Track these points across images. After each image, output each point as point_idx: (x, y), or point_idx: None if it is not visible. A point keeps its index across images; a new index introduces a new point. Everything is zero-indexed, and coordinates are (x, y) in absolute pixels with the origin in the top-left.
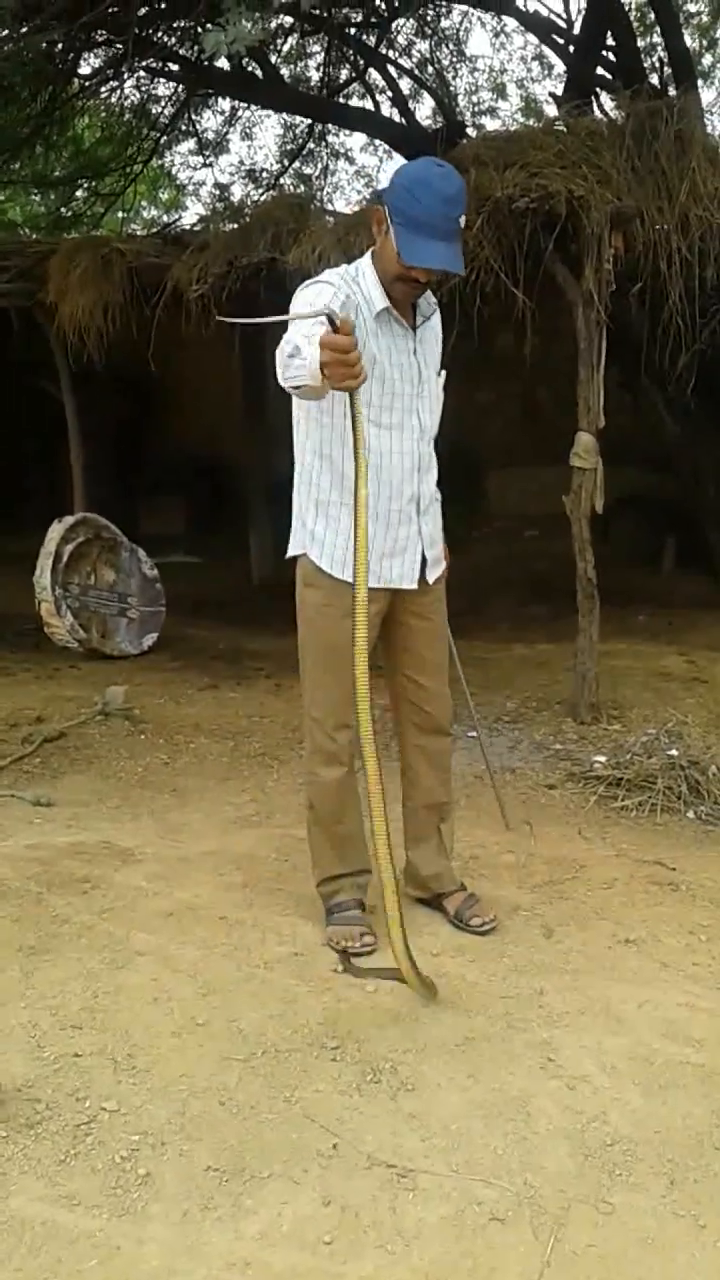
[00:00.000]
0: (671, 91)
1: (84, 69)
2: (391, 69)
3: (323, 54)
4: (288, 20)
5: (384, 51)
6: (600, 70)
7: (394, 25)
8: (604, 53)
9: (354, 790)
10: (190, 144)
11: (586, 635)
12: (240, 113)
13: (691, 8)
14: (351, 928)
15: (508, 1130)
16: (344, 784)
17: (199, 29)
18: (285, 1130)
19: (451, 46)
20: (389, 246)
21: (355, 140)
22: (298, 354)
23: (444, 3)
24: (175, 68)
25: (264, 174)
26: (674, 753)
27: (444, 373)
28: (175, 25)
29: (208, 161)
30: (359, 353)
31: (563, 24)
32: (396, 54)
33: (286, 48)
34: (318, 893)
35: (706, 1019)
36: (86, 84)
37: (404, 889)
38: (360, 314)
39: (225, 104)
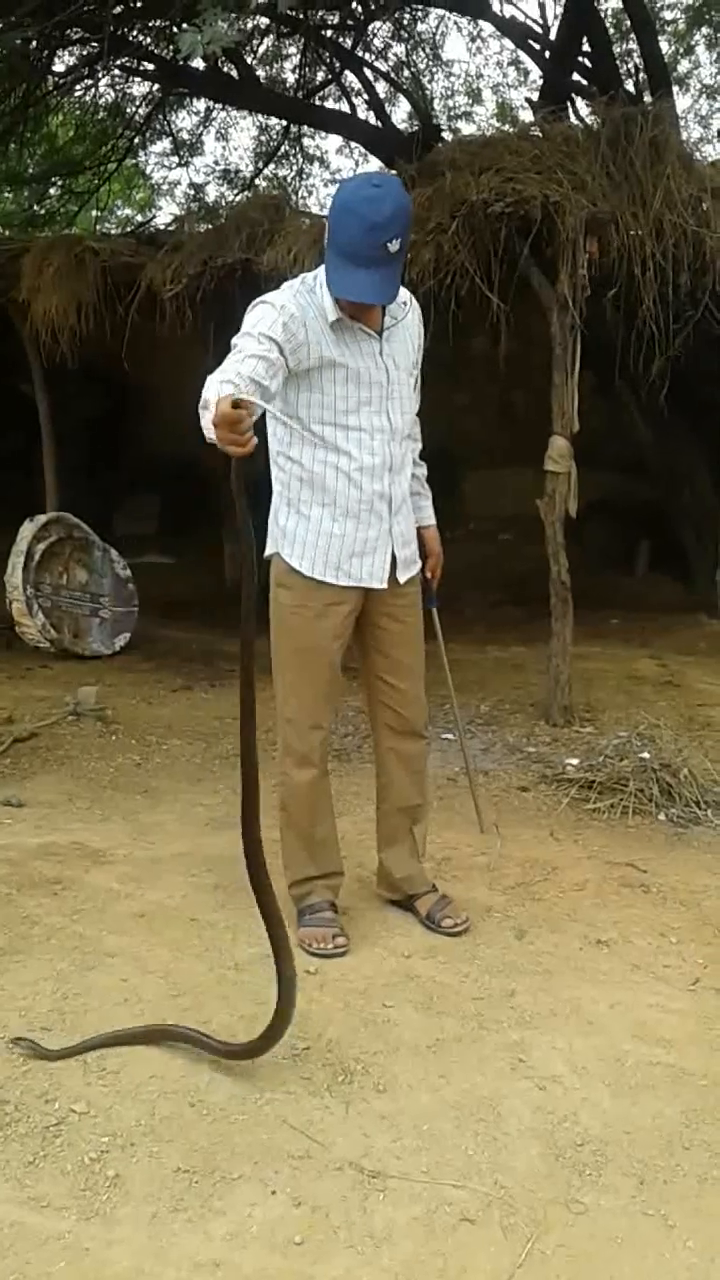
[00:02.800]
0: (647, 98)
1: (59, 66)
2: (368, 72)
3: (299, 56)
4: (264, 21)
5: (360, 54)
6: (576, 76)
7: (370, 28)
8: (580, 59)
9: (326, 792)
10: (165, 144)
11: (560, 638)
12: (215, 113)
13: (667, 15)
14: (324, 929)
15: (478, 1131)
16: (316, 785)
17: (174, 29)
18: (256, 1131)
19: (428, 50)
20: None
21: (331, 143)
22: (206, 408)
23: (420, 6)
24: (150, 67)
25: (239, 175)
26: (646, 755)
27: (418, 366)
28: (151, 24)
29: (183, 161)
30: (249, 434)
31: (539, 30)
32: (373, 57)
33: (263, 49)
34: (289, 894)
35: (676, 1020)
36: (61, 81)
37: (376, 890)
38: (319, 324)
39: (200, 104)
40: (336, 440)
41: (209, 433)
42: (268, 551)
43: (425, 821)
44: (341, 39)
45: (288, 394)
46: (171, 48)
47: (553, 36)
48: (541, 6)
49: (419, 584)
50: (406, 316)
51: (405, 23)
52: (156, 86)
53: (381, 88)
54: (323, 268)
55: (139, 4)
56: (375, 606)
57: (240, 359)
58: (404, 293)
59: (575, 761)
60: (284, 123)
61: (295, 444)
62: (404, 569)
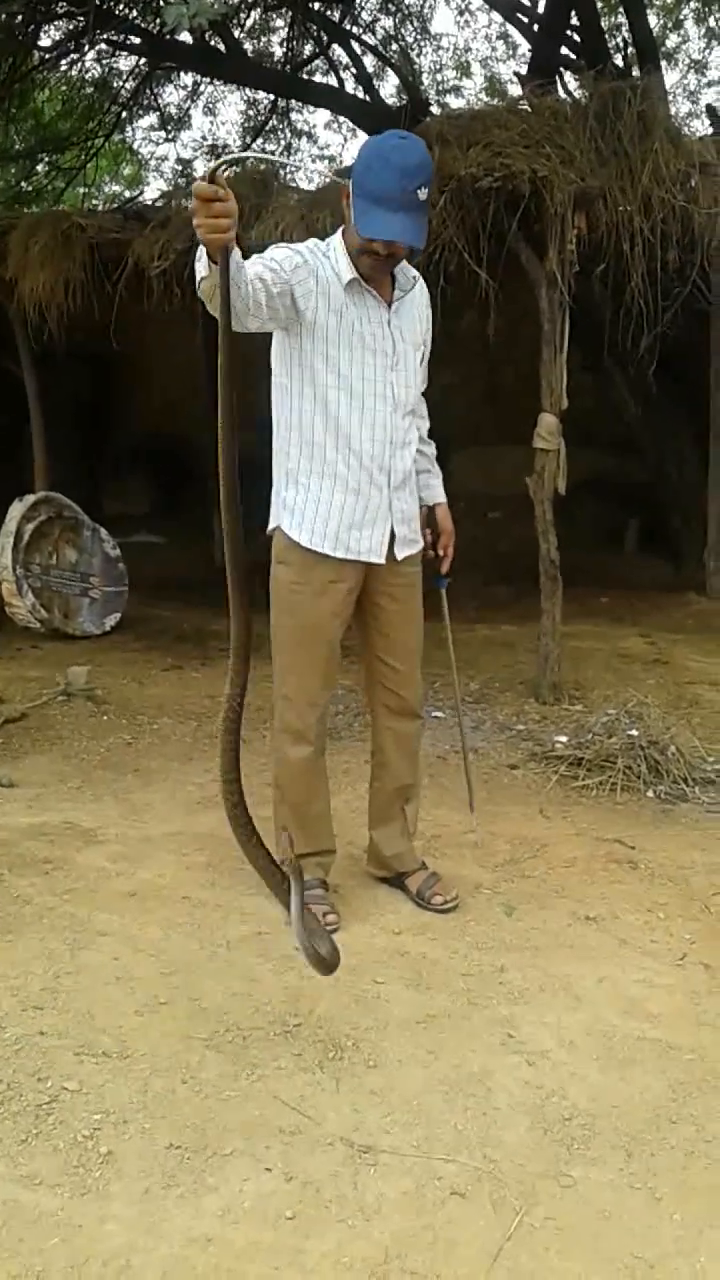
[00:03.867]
0: (635, 72)
1: (44, 41)
2: (355, 45)
3: (286, 29)
4: None
5: (348, 27)
6: (564, 50)
7: (358, 1)
8: (568, 33)
9: (321, 769)
10: (152, 118)
11: (549, 616)
12: (203, 88)
13: None
14: (314, 906)
15: (468, 1106)
16: (311, 763)
17: (160, 2)
18: (247, 1108)
19: (416, 24)
20: (350, 219)
21: (319, 117)
22: (200, 259)
23: None
24: (137, 41)
25: (226, 150)
26: (634, 733)
27: (426, 346)
28: None
29: (170, 136)
30: (230, 205)
31: (527, 3)
32: (360, 30)
33: (250, 22)
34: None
35: (664, 995)
36: (47, 56)
37: (366, 868)
38: (330, 285)
39: (187, 78)
40: (339, 409)
41: (201, 270)
42: (270, 526)
43: (417, 800)
44: (329, 12)
45: (292, 356)
46: (157, 21)
47: (541, 10)
48: None
49: (419, 564)
50: (414, 291)
51: None
52: (143, 61)
53: (369, 61)
54: (334, 236)
55: None
56: (375, 585)
57: (251, 262)
58: (412, 269)
59: (564, 739)
60: (272, 97)
61: (296, 412)
62: (403, 546)
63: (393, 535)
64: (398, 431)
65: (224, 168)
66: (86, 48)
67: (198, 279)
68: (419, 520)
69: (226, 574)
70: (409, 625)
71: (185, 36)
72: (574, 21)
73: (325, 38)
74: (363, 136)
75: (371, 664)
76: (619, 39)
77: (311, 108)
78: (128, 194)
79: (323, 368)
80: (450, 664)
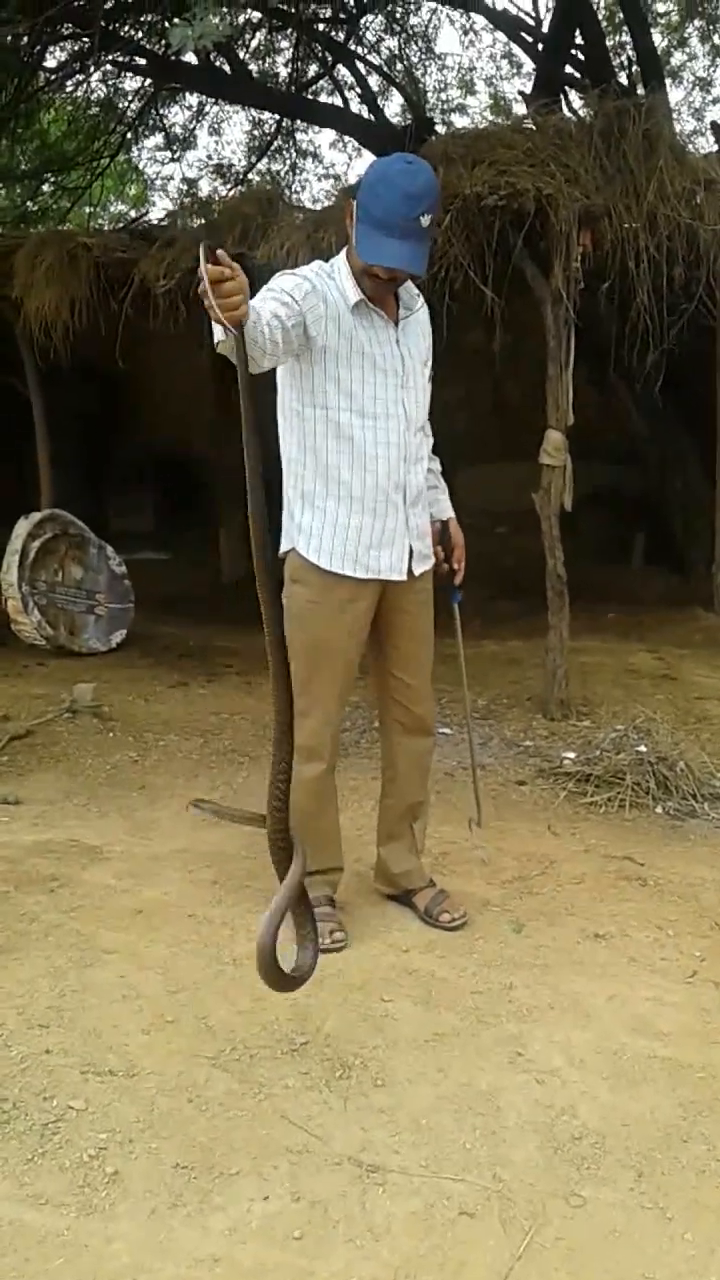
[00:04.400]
0: (640, 91)
1: (50, 62)
2: (360, 65)
3: (291, 50)
4: (255, 15)
5: (352, 48)
6: (569, 69)
7: (362, 21)
8: (573, 51)
9: (332, 787)
10: (158, 139)
11: (557, 632)
12: (208, 108)
13: (660, 7)
14: (321, 924)
15: (477, 1125)
16: (323, 781)
17: (166, 23)
18: (254, 1127)
19: (420, 43)
20: (353, 241)
21: (324, 137)
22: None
23: None
24: (142, 62)
25: (232, 170)
26: (643, 749)
27: (429, 364)
28: (142, 19)
29: (175, 157)
30: (239, 282)
31: (531, 22)
32: (365, 50)
33: (255, 43)
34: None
35: (674, 1013)
36: (52, 77)
37: (374, 885)
38: (338, 308)
39: (193, 99)
40: (352, 430)
41: (217, 331)
42: (283, 548)
43: (425, 817)
44: (334, 33)
45: (302, 381)
46: (162, 42)
47: (545, 29)
48: None
49: (431, 579)
50: (418, 310)
51: (398, 16)
52: (148, 81)
53: (374, 81)
54: (338, 257)
55: None
56: (390, 601)
57: (261, 299)
58: (415, 290)
59: (572, 755)
60: (277, 117)
61: (309, 435)
62: (419, 562)
63: (410, 551)
64: (411, 448)
65: (223, 245)
66: (92, 69)
67: (215, 339)
68: (432, 535)
69: (267, 649)
70: (423, 639)
71: (190, 57)
72: (578, 40)
73: (330, 58)
74: (368, 156)
75: (384, 680)
76: (624, 57)
77: (316, 128)
78: (133, 213)
79: (334, 390)
80: (461, 679)
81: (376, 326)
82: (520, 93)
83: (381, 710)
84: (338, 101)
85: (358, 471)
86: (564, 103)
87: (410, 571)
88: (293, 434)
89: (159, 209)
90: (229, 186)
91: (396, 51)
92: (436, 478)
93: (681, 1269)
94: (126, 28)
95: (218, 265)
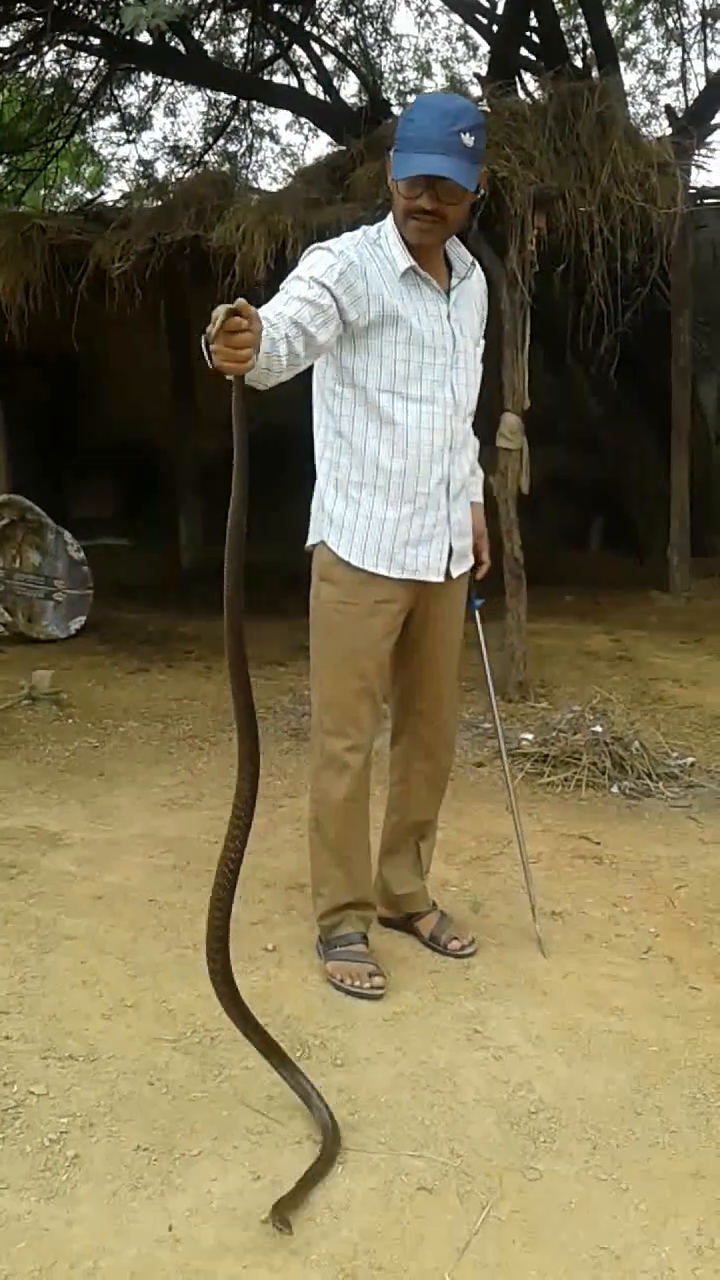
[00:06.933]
0: (594, 74)
1: (2, 42)
2: (316, 46)
3: (246, 30)
4: None
5: (308, 28)
6: (524, 51)
7: (318, 2)
8: (528, 34)
9: (365, 811)
10: (113, 119)
11: (514, 615)
12: (163, 88)
13: None
14: (360, 965)
15: (435, 1101)
16: (354, 799)
17: (119, 3)
18: (215, 1108)
19: (376, 25)
20: (391, 178)
21: (281, 118)
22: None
23: None
24: (96, 42)
25: (188, 151)
26: (599, 729)
27: (483, 343)
28: None
29: (130, 138)
30: (248, 351)
31: (487, 4)
32: (321, 31)
33: (210, 23)
34: (317, 925)
35: (629, 989)
36: (5, 57)
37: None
38: (383, 281)
39: (148, 79)
40: (394, 413)
41: (210, 360)
42: (310, 541)
43: (433, 837)
44: (289, 13)
45: (342, 359)
46: (116, 22)
47: (500, 11)
48: None
49: (466, 583)
50: (471, 277)
51: None
52: (103, 61)
53: (330, 62)
54: (384, 221)
55: None
56: (422, 604)
57: (285, 300)
58: (468, 254)
59: (530, 736)
60: (233, 98)
61: (346, 418)
62: (458, 562)
63: (450, 550)
64: (457, 436)
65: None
66: (45, 48)
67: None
68: (473, 534)
69: (232, 705)
70: (450, 648)
71: (145, 37)
72: (533, 23)
73: (285, 38)
74: (324, 137)
75: (404, 687)
76: (578, 40)
77: (274, 108)
78: (88, 195)
79: (375, 368)
80: (488, 688)
81: (426, 298)
82: (476, 75)
83: (400, 721)
84: (294, 82)
85: (397, 459)
86: (519, 85)
87: (448, 572)
88: (328, 414)
89: (115, 191)
90: (185, 167)
91: (352, 33)
92: (473, 463)
93: (636, 1239)
94: (80, 7)
95: (236, 315)
